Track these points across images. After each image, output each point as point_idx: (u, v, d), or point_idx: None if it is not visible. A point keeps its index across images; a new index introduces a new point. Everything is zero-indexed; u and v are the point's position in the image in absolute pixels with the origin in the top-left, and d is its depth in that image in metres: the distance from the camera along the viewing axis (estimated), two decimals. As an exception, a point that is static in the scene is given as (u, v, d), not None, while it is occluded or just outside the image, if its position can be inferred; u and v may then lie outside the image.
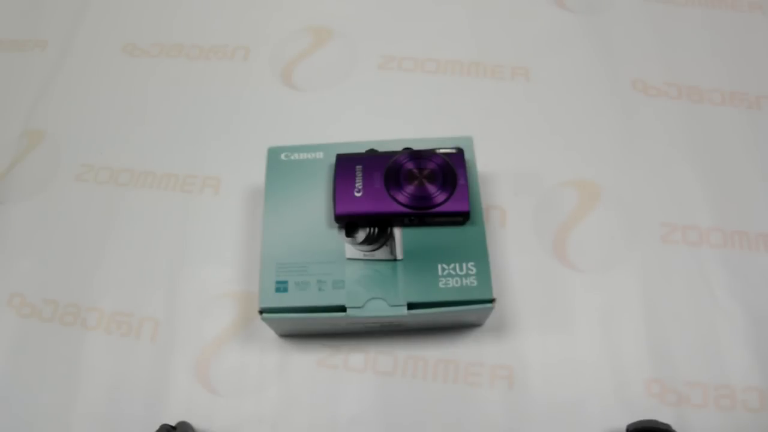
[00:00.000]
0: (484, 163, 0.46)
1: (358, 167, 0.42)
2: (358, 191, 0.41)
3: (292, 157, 0.45)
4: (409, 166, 0.42)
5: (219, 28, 0.62)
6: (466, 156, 0.44)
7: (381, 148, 0.45)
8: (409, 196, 0.41)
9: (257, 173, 0.45)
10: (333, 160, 0.45)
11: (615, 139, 0.54)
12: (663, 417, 0.42)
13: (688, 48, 0.58)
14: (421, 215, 0.41)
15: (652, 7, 0.61)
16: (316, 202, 0.43)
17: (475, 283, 0.40)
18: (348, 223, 0.42)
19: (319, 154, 0.45)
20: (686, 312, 0.46)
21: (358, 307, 0.40)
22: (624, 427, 0.42)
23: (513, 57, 0.58)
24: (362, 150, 0.45)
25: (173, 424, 0.42)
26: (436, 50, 0.59)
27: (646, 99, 0.56)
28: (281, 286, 0.40)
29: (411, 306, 0.40)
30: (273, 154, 0.45)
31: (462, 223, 0.41)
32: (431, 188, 0.41)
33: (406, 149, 0.43)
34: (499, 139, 0.53)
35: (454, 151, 0.43)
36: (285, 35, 0.61)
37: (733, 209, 0.50)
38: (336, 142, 0.46)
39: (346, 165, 0.43)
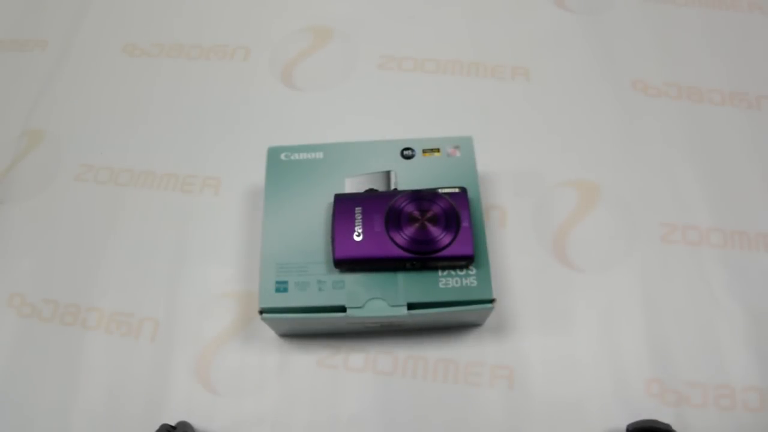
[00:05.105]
0: (484, 163, 0.46)
1: (358, 209, 0.41)
2: (358, 235, 0.40)
3: (292, 157, 0.45)
4: (410, 208, 0.41)
5: (219, 28, 0.62)
6: (466, 155, 0.44)
7: (381, 148, 0.45)
8: (410, 240, 0.40)
9: (257, 173, 0.45)
10: (332, 160, 0.45)
11: (615, 138, 0.54)
12: (663, 417, 0.42)
13: (688, 48, 0.58)
14: (424, 259, 0.40)
15: (652, 8, 0.61)
16: (316, 202, 0.43)
17: (475, 283, 0.40)
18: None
19: (319, 154, 0.45)
20: (686, 312, 0.46)
21: (358, 307, 0.40)
22: (624, 427, 0.42)
23: (513, 57, 0.58)
24: (360, 149, 0.45)
25: (173, 424, 0.42)
26: (436, 50, 0.59)
27: (646, 99, 0.56)
28: (281, 286, 0.40)
29: (411, 306, 0.40)
30: (273, 154, 0.45)
31: (466, 267, 0.40)
32: (434, 231, 0.40)
33: (405, 191, 0.42)
34: (499, 139, 0.53)
35: (457, 190, 0.42)
36: (285, 35, 0.61)
37: (733, 209, 0.50)
38: (336, 142, 0.46)
39: (344, 206, 0.41)
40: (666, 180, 0.52)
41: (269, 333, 0.46)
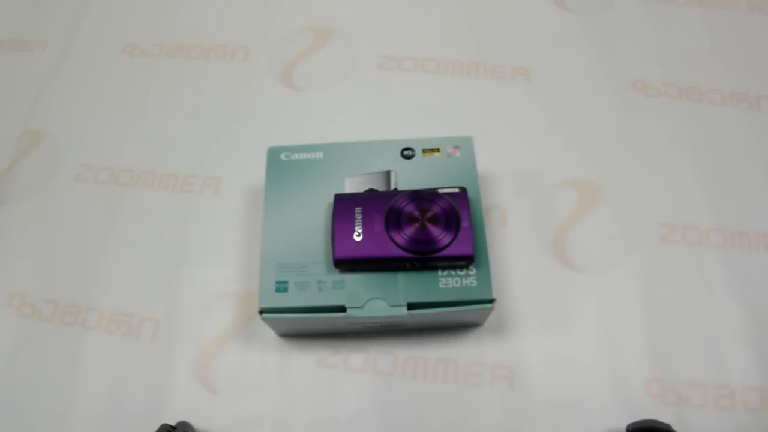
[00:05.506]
0: (484, 163, 0.46)
1: (358, 209, 0.41)
2: (358, 235, 0.40)
3: (292, 157, 0.45)
4: (410, 208, 0.41)
5: (219, 28, 0.62)
6: (466, 155, 0.44)
7: (381, 148, 0.45)
8: (410, 240, 0.39)
9: (257, 173, 0.45)
10: (332, 160, 0.45)
11: (615, 139, 0.54)
12: (663, 417, 0.42)
13: (688, 48, 0.58)
14: (424, 259, 0.40)
15: (652, 8, 0.61)
16: (316, 202, 0.43)
17: (475, 283, 0.40)
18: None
19: (319, 154, 0.45)
20: (686, 312, 0.46)
21: (358, 307, 0.40)
22: (624, 427, 0.42)
23: (513, 57, 0.58)
24: (360, 149, 0.45)
25: (173, 424, 0.42)
26: (436, 50, 0.59)
27: (646, 99, 0.56)
28: (281, 286, 0.40)
29: (411, 306, 0.40)
30: (273, 154, 0.45)
31: (466, 267, 0.40)
32: (434, 231, 0.40)
33: (405, 191, 0.42)
34: (499, 139, 0.53)
35: (457, 190, 0.42)
36: (285, 35, 0.61)
37: (733, 209, 0.50)
38: (336, 142, 0.46)
39: (345, 206, 0.41)
40: (666, 180, 0.52)
41: (269, 333, 0.46)
